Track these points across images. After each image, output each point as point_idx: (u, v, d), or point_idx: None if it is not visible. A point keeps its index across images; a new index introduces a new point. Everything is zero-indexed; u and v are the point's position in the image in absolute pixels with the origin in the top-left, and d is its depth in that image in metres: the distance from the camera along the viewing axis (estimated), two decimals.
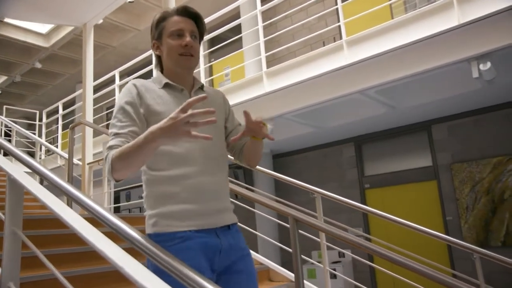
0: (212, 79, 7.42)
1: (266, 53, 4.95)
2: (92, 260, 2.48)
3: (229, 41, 5.55)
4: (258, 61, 4.97)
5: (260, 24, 4.97)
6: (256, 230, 5.27)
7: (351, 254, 4.00)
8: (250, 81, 5.05)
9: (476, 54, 3.59)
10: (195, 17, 1.41)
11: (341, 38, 4.34)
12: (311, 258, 5.74)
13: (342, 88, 4.27)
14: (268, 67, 4.91)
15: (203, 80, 5.58)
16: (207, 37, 5.83)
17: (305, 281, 3.27)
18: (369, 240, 5.14)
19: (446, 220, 5.58)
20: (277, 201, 4.21)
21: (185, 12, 1.40)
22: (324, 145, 6.77)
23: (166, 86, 1.38)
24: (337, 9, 4.50)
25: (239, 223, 1.49)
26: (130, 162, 1.17)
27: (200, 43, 1.46)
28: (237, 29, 6.18)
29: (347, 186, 6.53)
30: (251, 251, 3.63)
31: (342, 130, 5.92)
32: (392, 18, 5.20)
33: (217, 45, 5.97)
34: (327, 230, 2.28)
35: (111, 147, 1.24)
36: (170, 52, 1.37)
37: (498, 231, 5.16)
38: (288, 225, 2.30)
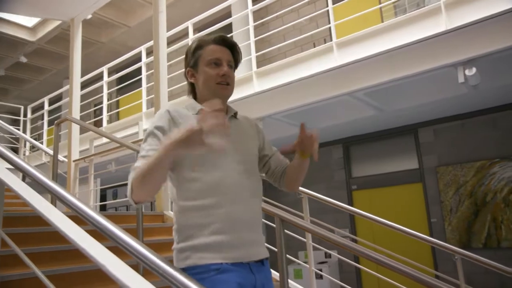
0: None
1: (256, 53, 4.95)
2: (75, 258, 2.44)
3: None
4: (248, 60, 4.97)
5: (251, 24, 4.97)
6: None
7: (337, 255, 4.02)
8: (240, 81, 5.04)
9: (462, 59, 3.64)
10: (231, 46, 1.41)
11: (331, 40, 4.37)
12: (297, 259, 5.76)
13: (332, 90, 4.29)
14: (258, 67, 4.92)
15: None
16: (197, 35, 5.81)
17: (291, 281, 3.29)
18: (355, 241, 5.17)
19: (431, 222, 5.66)
20: (264, 201, 4.22)
21: (222, 41, 1.40)
22: None
23: (200, 112, 1.36)
24: (328, 10, 4.52)
25: None
26: (146, 179, 1.16)
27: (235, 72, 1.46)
28: (228, 28, 6.16)
29: (335, 187, 6.57)
30: None
31: (331, 131, 5.94)
32: (382, 21, 5.25)
33: None
34: (313, 231, 2.29)
35: (134, 168, 1.21)
36: (207, 81, 1.37)
37: (480, 233, 5.25)
38: (274, 225, 2.30)
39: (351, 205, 6.17)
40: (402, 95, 4.66)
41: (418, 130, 5.86)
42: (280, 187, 1.56)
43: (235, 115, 1.45)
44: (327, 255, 6.17)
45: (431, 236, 5.25)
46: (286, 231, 3.27)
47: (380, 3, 4.91)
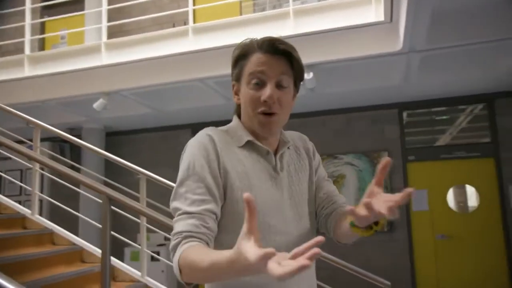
0: (43, 39, 6.52)
1: (109, 22, 4.61)
2: None
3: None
4: (98, 29, 4.60)
5: None
6: (79, 210, 4.92)
7: None
8: (87, 49, 4.64)
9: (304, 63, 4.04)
10: (286, 55, 0.99)
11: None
12: (136, 240, 5.61)
13: (184, 74, 4.29)
14: (112, 38, 4.59)
15: (27, 36, 4.84)
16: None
17: (121, 263, 3.20)
18: None
19: None
20: (105, 182, 4.00)
21: (271, 47, 0.98)
22: (163, 128, 6.69)
23: (248, 144, 1.02)
24: None
25: None
26: (204, 279, 0.86)
27: (297, 88, 1.07)
28: None
29: None
30: (64, 230, 3.35)
31: (181, 115, 5.94)
32: (241, 14, 5.46)
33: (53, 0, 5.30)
34: (144, 212, 2.27)
35: (180, 234, 0.87)
36: (245, 107, 1.01)
37: None
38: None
39: None
40: None
41: None
42: (328, 234, 1.12)
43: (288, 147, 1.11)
44: (167, 238, 6.19)
45: None
46: (122, 212, 3.18)
47: None
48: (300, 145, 1.16)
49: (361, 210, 0.81)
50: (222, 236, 0.92)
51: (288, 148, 1.10)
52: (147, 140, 6.85)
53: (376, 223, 0.87)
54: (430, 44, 3.60)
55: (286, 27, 3.97)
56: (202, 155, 0.94)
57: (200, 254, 0.78)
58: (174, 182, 3.02)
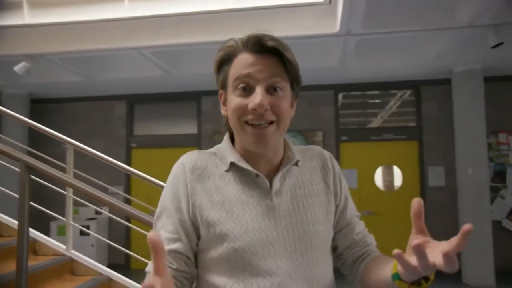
0: None
1: None
2: None
3: None
4: None
5: None
6: None
7: (106, 212, 3.94)
8: (6, 5, 4.20)
9: None
10: (276, 52, 0.83)
11: None
12: (64, 214, 5.35)
13: (118, 41, 4.07)
14: None
15: None
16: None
17: (43, 236, 3.05)
18: (128, 199, 5.16)
19: None
20: (29, 152, 3.72)
21: (258, 45, 0.83)
22: (96, 97, 6.36)
23: (234, 167, 0.88)
24: None
25: None
26: None
27: (295, 93, 0.90)
28: None
29: (114, 143, 6.36)
30: None
31: (115, 85, 5.68)
32: None
33: None
34: (67, 182, 2.16)
35: (147, 273, 0.81)
36: (232, 117, 0.86)
37: None
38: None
39: (129, 163, 6.12)
40: (189, 60, 4.81)
41: (201, 98, 6.21)
42: (350, 276, 0.99)
43: (296, 163, 0.92)
44: (98, 212, 5.98)
45: None
46: (45, 183, 3.00)
47: None
48: (317, 165, 0.96)
49: (411, 259, 0.65)
50: (211, 277, 0.85)
51: (297, 165, 0.92)
52: (79, 109, 6.49)
53: (427, 279, 0.70)
54: (365, 29, 3.72)
55: (226, 1, 3.89)
56: (173, 189, 0.87)
57: None
58: (107, 154, 2.90)
